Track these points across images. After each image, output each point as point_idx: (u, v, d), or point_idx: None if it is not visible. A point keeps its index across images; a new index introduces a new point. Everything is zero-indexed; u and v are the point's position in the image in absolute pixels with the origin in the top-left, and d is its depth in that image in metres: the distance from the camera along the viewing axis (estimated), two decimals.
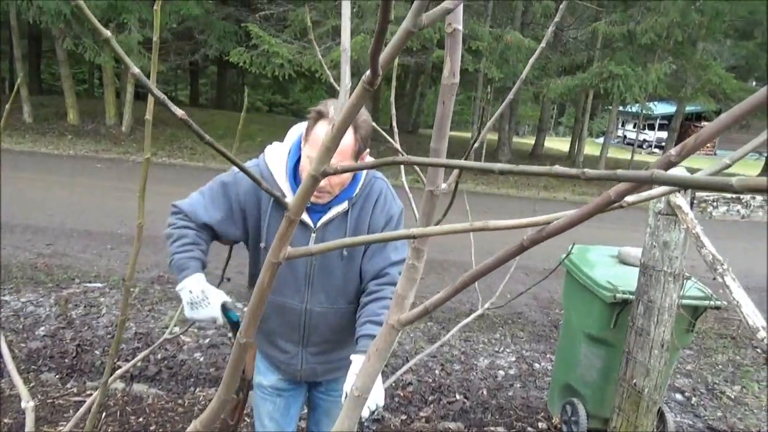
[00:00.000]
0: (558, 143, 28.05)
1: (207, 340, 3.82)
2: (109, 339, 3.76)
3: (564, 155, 20.23)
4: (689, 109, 21.94)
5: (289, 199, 1.62)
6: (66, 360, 3.53)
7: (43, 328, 3.88)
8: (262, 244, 1.69)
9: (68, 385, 3.20)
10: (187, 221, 1.68)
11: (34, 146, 11.43)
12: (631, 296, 2.80)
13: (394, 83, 1.20)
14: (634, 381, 2.72)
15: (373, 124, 1.44)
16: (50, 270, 4.89)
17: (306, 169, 1.57)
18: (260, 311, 0.76)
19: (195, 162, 11.63)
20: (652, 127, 34.65)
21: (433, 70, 21.02)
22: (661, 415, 3.01)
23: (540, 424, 3.28)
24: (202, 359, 3.61)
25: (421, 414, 3.26)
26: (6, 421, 2.76)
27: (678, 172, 2.25)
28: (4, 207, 6.04)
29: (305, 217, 1.63)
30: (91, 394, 3.06)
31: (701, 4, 13.21)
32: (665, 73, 12.77)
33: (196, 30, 15.12)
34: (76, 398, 3.06)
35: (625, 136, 36.62)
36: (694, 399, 3.70)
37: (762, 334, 1.82)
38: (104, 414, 2.89)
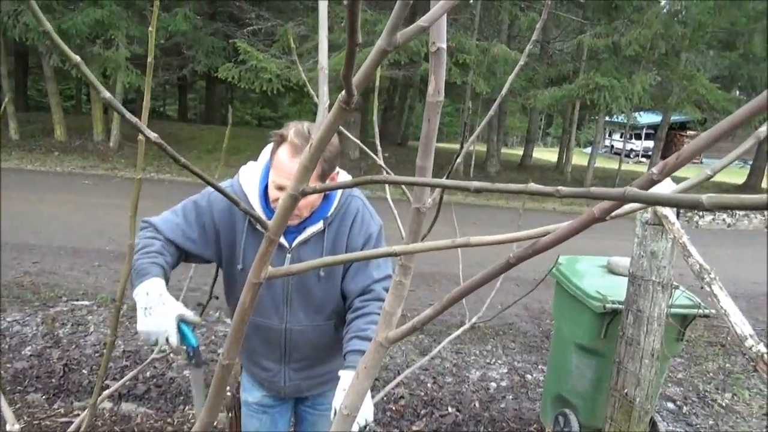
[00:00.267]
0: (546, 153, 28.25)
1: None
2: (97, 357, 3.71)
3: (552, 165, 20.37)
4: (675, 118, 22.19)
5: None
6: (53, 380, 3.48)
7: (29, 347, 3.82)
8: (239, 266, 1.68)
9: (55, 406, 3.15)
10: (156, 234, 1.63)
11: (21, 163, 11.35)
12: (620, 306, 2.80)
13: (376, 102, 1.21)
14: (626, 391, 2.72)
15: (359, 144, 1.43)
16: (37, 288, 4.83)
17: (271, 193, 1.56)
18: (242, 332, 0.76)
19: (184, 177, 11.58)
20: (638, 137, 35.02)
21: (422, 83, 21.13)
22: (653, 424, 3.01)
23: None
24: (191, 376, 3.56)
25: (414, 428, 3.23)
26: None
27: (664, 184, 2.26)
28: None
29: (281, 238, 1.64)
30: (78, 415, 3.02)
31: (684, 15, 13.45)
32: (650, 84, 12.95)
33: (185, 46, 15.15)
34: (63, 419, 3.01)
35: (612, 146, 36.96)
36: (685, 407, 3.71)
37: (750, 342, 1.83)
38: None
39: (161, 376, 3.53)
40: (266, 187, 1.61)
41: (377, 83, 1.22)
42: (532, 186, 0.48)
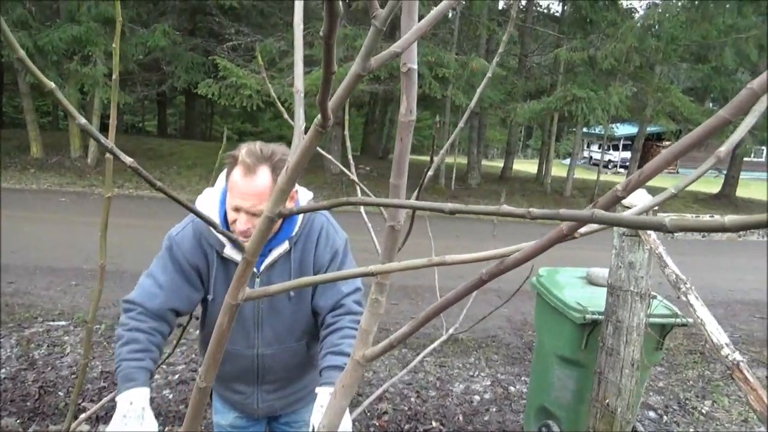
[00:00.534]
0: (526, 165, 28.55)
1: (176, 377, 3.72)
2: (74, 379, 3.63)
3: (533, 177, 20.59)
4: (651, 129, 22.63)
5: (227, 249, 1.61)
6: (28, 403, 3.39)
7: (3, 370, 3.73)
8: (210, 296, 1.67)
9: (30, 430, 3.07)
10: (140, 320, 1.59)
11: None
12: (600, 317, 2.83)
13: (347, 119, 1.22)
14: (607, 401, 2.74)
15: (338, 163, 1.44)
16: (12, 309, 4.73)
17: (230, 216, 1.54)
18: (220, 355, 0.75)
19: (162, 193, 11.46)
20: (616, 148, 35.60)
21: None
22: None
23: None
24: (171, 396, 3.51)
25: None
26: None
27: (637, 194, 2.30)
28: None
29: None
30: None
31: (657, 30, 13.77)
32: (626, 96, 13.21)
33: (164, 61, 15.08)
34: None
35: (590, 157, 37.51)
36: (666, 416, 3.74)
37: (726, 350, 1.86)
38: None
39: None
40: (226, 212, 1.60)
41: (347, 102, 1.23)
42: (505, 208, 0.49)
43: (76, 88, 13.34)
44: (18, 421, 3.16)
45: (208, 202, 1.65)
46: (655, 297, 2.79)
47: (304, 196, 1.70)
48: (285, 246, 1.63)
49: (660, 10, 13.95)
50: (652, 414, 3.77)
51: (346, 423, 1.48)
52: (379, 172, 15.30)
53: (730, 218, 0.38)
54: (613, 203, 0.52)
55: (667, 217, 0.39)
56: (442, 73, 12.57)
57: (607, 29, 13.92)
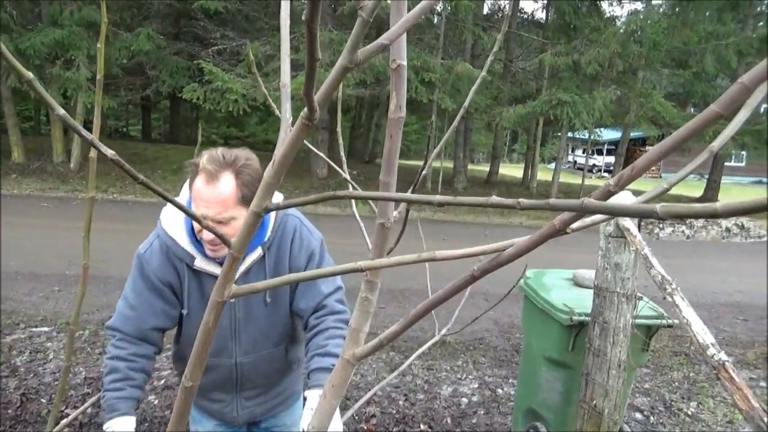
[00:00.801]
0: (512, 169, 28.72)
1: (162, 382, 3.67)
2: (57, 385, 3.57)
3: (518, 181, 20.72)
4: (634, 134, 22.89)
5: (198, 261, 1.57)
6: (9, 410, 3.33)
7: None
8: (184, 311, 1.63)
9: None
10: (119, 347, 1.60)
11: None
12: (587, 318, 2.84)
13: (340, 115, 1.21)
14: (594, 402, 2.75)
15: (327, 161, 1.42)
16: None
17: (195, 225, 1.51)
18: (206, 354, 0.74)
19: (147, 198, 11.36)
20: (600, 152, 35.97)
21: (388, 101, 21.29)
22: None
23: None
24: (156, 402, 3.46)
25: None
26: None
27: (623, 195, 2.32)
28: None
29: (219, 271, 1.58)
30: None
31: (639, 35, 13.96)
32: (610, 100, 13.36)
33: (148, 65, 14.97)
34: None
35: (575, 162, 37.84)
36: (653, 417, 3.77)
37: (711, 350, 1.87)
38: None
39: None
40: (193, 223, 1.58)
41: (340, 99, 1.22)
42: (494, 199, 0.49)
43: (59, 93, 13.18)
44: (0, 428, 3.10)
45: (173, 213, 1.61)
46: (641, 298, 2.81)
47: (277, 199, 1.68)
48: (258, 252, 1.59)
49: (642, 17, 14.16)
50: (638, 415, 3.79)
51: (337, 424, 1.47)
52: (365, 176, 15.29)
53: (722, 204, 0.38)
54: (606, 197, 0.52)
55: (657, 205, 0.39)
56: (429, 77, 12.62)
57: (591, 35, 14.08)
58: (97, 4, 12.04)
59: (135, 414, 1.59)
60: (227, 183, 1.45)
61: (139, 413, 3.32)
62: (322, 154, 1.31)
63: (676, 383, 4.34)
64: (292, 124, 0.72)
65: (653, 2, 18.12)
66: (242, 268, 1.58)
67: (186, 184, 1.59)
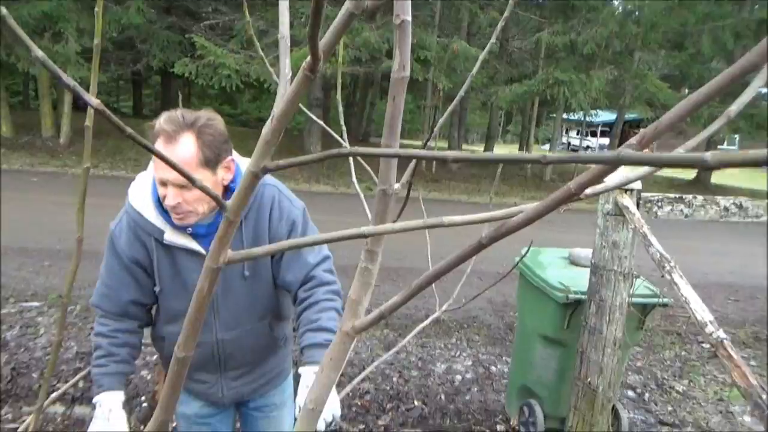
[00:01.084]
0: (506, 150, 28.68)
1: (155, 357, 3.65)
2: (48, 360, 3.54)
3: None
4: (628, 116, 22.84)
5: (168, 234, 1.49)
6: (0, 384, 3.30)
7: None
8: (157, 288, 1.57)
9: (2, 412, 2.98)
10: (102, 324, 1.60)
11: None
12: (583, 296, 2.84)
13: (339, 88, 1.16)
14: (589, 380, 2.75)
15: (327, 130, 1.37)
16: None
17: (160, 192, 1.42)
18: (199, 323, 0.70)
19: (138, 174, 11.25)
20: (594, 134, 35.98)
21: (383, 80, 21.10)
22: (615, 412, 3.06)
23: (498, 427, 3.28)
24: (149, 377, 3.44)
25: (380, 423, 3.20)
26: None
27: (617, 172, 2.28)
28: None
29: (194, 245, 1.50)
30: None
31: (637, 15, 13.84)
32: (607, 79, 13.29)
33: (138, 39, 14.70)
34: (11, 425, 2.85)
35: (569, 143, 37.83)
36: (645, 395, 3.79)
37: (710, 328, 1.86)
38: None
39: None
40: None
41: (340, 64, 1.17)
42: (518, 153, 0.45)
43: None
44: None
45: (140, 186, 1.54)
46: (638, 277, 2.80)
47: (245, 165, 1.59)
48: None
49: None
50: (630, 393, 3.81)
51: (334, 400, 1.44)
52: (358, 155, 15.18)
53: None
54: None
55: (707, 153, 0.35)
56: (424, 55, 12.48)
57: (589, 14, 13.94)
58: None
59: (123, 388, 1.57)
60: (187, 144, 1.35)
61: (132, 388, 3.30)
62: (315, 118, 1.26)
63: (668, 362, 4.37)
64: (291, 79, 0.67)
65: None
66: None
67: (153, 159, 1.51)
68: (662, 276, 2.24)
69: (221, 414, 1.81)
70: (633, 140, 0.51)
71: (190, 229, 1.47)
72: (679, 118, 0.48)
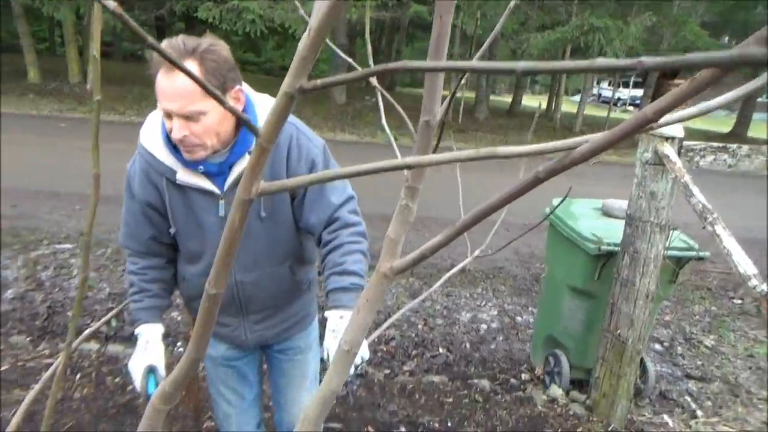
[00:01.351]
0: (534, 101, 27.92)
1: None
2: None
3: (542, 112, 20.18)
4: None
5: (180, 174, 1.43)
6: (36, 322, 3.41)
7: (11, 290, 3.73)
8: (172, 229, 1.53)
9: (39, 348, 3.09)
10: (131, 262, 1.62)
11: None
12: (615, 248, 2.76)
13: (368, 35, 1.08)
14: (618, 332, 2.72)
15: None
16: (17, 232, 4.70)
17: (166, 126, 1.34)
18: (230, 258, 0.67)
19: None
20: (626, 85, 34.76)
21: (410, 27, 20.55)
22: (642, 364, 3.04)
23: (523, 376, 3.29)
24: (179, 318, 3.51)
25: (405, 368, 3.24)
26: None
27: (673, 126, 2.17)
28: None
29: (206, 183, 1.44)
30: None
31: None
32: (645, 25, 12.68)
33: None
34: (48, 360, 2.95)
35: (600, 95, 36.69)
36: (673, 349, 3.75)
37: (753, 281, 1.79)
38: (78, 375, 2.80)
39: None
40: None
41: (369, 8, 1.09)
42: (601, 60, 0.38)
43: (72, 11, 12.86)
44: (28, 339, 3.18)
45: (151, 126, 1.48)
46: (675, 229, 2.71)
47: (261, 101, 1.48)
48: (246, 161, 1.42)
49: None
50: (658, 347, 3.78)
51: (363, 345, 1.42)
52: (386, 103, 14.96)
53: None
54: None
55: None
56: None
57: None
58: None
59: (160, 320, 1.60)
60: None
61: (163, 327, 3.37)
62: (345, 56, 1.19)
63: (697, 316, 4.30)
64: None
65: None
66: (231, 178, 1.43)
67: None
68: (703, 227, 2.16)
69: (247, 357, 1.81)
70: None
71: (201, 167, 1.41)
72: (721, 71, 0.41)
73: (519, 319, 3.98)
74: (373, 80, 1.28)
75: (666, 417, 2.93)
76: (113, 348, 3.10)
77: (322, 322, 1.51)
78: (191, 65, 1.28)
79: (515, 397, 2.95)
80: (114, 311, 1.63)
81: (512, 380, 3.24)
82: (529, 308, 4.15)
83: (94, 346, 3.10)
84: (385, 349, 3.39)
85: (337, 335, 1.42)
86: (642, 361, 3.00)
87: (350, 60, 1.24)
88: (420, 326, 3.72)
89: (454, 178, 1.68)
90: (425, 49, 0.69)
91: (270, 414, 2.09)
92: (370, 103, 15.33)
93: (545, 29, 14.28)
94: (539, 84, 43.48)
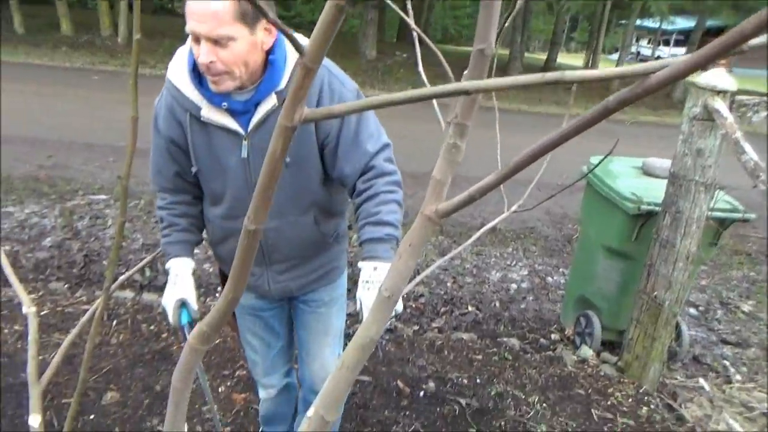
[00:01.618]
0: (570, 59, 27.05)
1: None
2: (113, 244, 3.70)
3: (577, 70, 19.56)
4: (709, 23, 20.90)
5: (204, 110, 1.38)
6: (74, 270, 3.49)
7: (49, 239, 3.82)
8: (194, 168, 1.48)
9: (77, 294, 3.16)
10: (161, 198, 1.61)
11: (28, 58, 11.03)
12: (656, 208, 2.67)
13: None
14: (655, 293, 2.65)
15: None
16: (53, 182, 4.79)
17: (194, 52, 1.28)
18: (271, 190, 0.63)
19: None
20: (667, 43, 33.34)
21: None
22: (677, 327, 2.97)
23: (552, 336, 3.26)
24: (211, 269, 3.56)
25: (434, 325, 3.23)
26: (16, 327, 2.74)
27: (725, 78, 2.02)
28: (0, 119, 5.87)
29: (230, 122, 1.39)
30: None
31: None
32: None
33: None
34: (86, 306, 3.02)
35: (638, 53, 35.29)
36: (708, 313, 3.67)
37: None
38: (114, 322, 2.87)
39: None
40: (195, 63, 1.36)
41: None
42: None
43: None
44: (66, 286, 3.26)
45: (179, 60, 1.42)
46: (723, 188, 2.59)
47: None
48: (272, 101, 1.37)
49: None
50: (693, 311, 3.69)
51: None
52: (415, 60, 14.67)
53: None
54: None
55: None
56: None
57: None
58: None
59: (190, 255, 1.60)
60: None
61: (195, 280, 3.42)
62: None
63: (735, 281, 4.18)
64: None
65: None
66: (256, 118, 1.38)
67: None
68: (754, 186, 2.05)
69: (274, 310, 1.79)
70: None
71: (225, 104, 1.36)
72: None
73: (550, 279, 3.93)
74: (414, 34, 1.21)
75: (702, 381, 2.88)
76: (148, 297, 3.16)
77: (354, 275, 1.48)
78: None
79: (545, 356, 2.93)
80: (148, 258, 1.63)
81: (542, 340, 3.21)
82: (560, 269, 4.08)
83: (129, 294, 3.16)
84: (414, 305, 3.39)
85: (370, 286, 1.39)
86: (677, 324, 2.94)
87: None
88: (449, 284, 3.70)
89: (479, 135, 1.61)
90: (458, 4, 0.62)
91: None
92: (400, 58, 15.03)
93: None
94: (575, 41, 42.02)
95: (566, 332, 3.26)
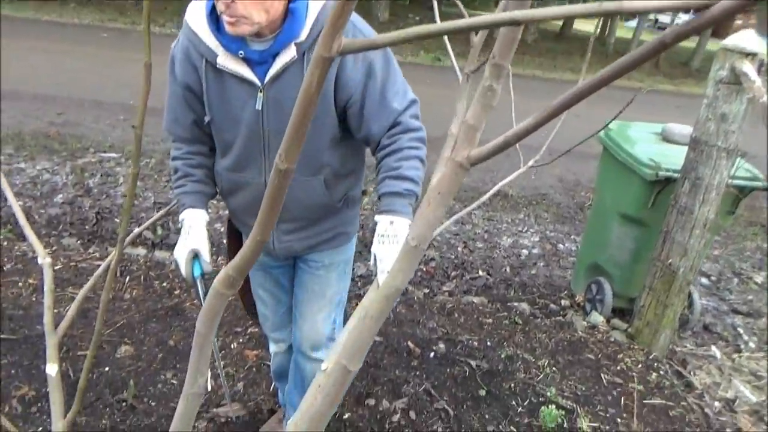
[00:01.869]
0: (586, 25, 26.38)
1: (227, 211, 3.76)
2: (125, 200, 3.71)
3: (595, 37, 19.14)
4: None
5: (221, 58, 1.34)
6: (86, 227, 3.51)
7: (60, 195, 3.83)
8: (207, 117, 1.45)
9: (90, 250, 3.18)
10: (175, 148, 1.58)
11: (36, 14, 10.88)
12: (674, 174, 2.62)
13: None
14: (670, 261, 2.62)
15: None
16: (63, 139, 4.77)
17: (216, 2, 1.24)
18: (304, 127, 0.60)
19: None
20: (687, 11, 32.49)
21: None
22: (689, 296, 2.96)
23: (563, 302, 3.26)
24: (222, 229, 3.56)
25: (444, 288, 3.24)
26: (30, 281, 2.77)
27: (753, 40, 1.95)
28: (9, 75, 5.82)
29: (246, 71, 1.35)
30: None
31: None
32: None
33: None
34: (99, 262, 3.04)
35: (656, 20, 34.43)
36: (720, 283, 3.65)
37: None
38: (128, 278, 2.89)
39: None
40: (213, 9, 1.32)
41: None
42: None
43: None
44: (78, 242, 3.28)
45: (198, 4, 1.38)
46: (745, 154, 2.54)
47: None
48: (291, 53, 1.32)
49: None
50: (704, 280, 3.68)
51: None
52: (430, 21, 14.40)
53: None
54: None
55: None
56: None
57: None
58: None
59: (204, 207, 1.57)
60: None
61: (208, 238, 3.43)
62: None
63: (748, 252, 4.15)
64: None
65: None
66: (274, 70, 1.34)
67: None
68: None
69: (283, 267, 1.79)
70: None
71: (242, 52, 1.32)
72: None
73: (561, 246, 3.91)
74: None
75: (714, 348, 2.88)
76: (160, 254, 3.18)
77: (365, 238, 1.46)
78: None
79: (555, 321, 2.93)
80: (161, 212, 1.61)
81: (552, 305, 3.22)
82: (572, 236, 4.06)
83: (141, 251, 3.17)
84: (424, 269, 3.39)
85: (386, 240, 1.37)
86: (689, 292, 2.92)
87: None
88: (460, 249, 3.69)
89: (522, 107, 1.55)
90: None
91: None
92: (414, 21, 14.73)
93: None
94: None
95: (576, 299, 3.26)
